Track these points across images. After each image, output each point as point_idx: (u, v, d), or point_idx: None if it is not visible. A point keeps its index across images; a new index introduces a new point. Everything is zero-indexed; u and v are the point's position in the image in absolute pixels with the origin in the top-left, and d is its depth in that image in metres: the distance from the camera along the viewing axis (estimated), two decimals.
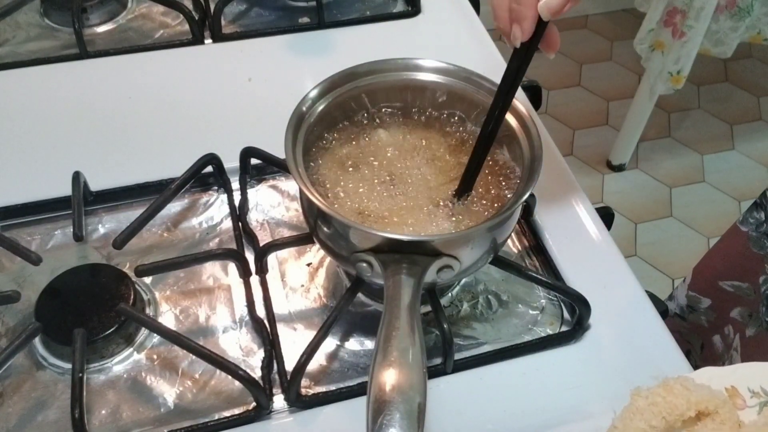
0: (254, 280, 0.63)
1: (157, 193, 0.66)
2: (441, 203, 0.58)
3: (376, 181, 0.59)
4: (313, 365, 0.58)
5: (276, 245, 0.63)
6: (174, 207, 0.69)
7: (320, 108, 0.59)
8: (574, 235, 0.69)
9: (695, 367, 0.56)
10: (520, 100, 0.59)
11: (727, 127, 2.16)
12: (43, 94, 0.79)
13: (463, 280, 0.65)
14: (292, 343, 0.60)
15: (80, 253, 0.65)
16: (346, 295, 0.59)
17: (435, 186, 0.59)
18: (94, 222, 0.68)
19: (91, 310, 0.58)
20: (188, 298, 0.63)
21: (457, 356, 0.59)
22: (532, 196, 0.68)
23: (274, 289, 0.63)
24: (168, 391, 0.57)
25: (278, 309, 0.62)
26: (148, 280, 0.64)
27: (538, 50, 0.54)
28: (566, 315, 0.63)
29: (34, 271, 0.62)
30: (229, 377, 0.56)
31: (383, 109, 0.64)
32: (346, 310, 0.59)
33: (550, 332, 0.62)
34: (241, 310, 0.62)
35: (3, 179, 0.70)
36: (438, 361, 0.59)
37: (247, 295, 0.62)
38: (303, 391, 0.57)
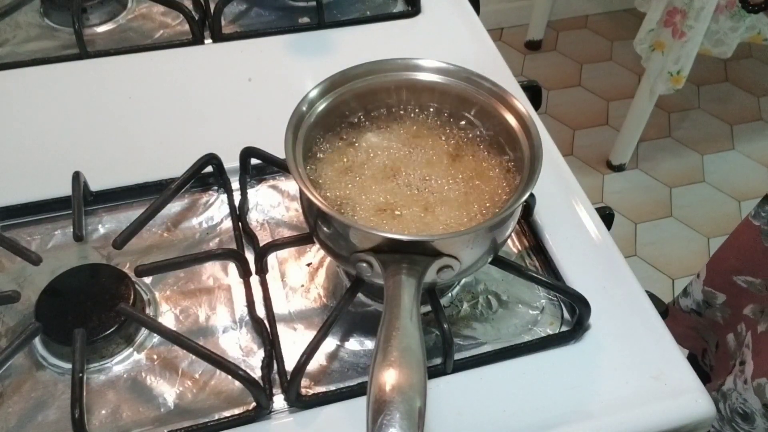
0: (254, 280, 0.63)
1: (157, 193, 0.66)
2: (441, 199, 0.58)
3: (376, 180, 0.59)
4: (313, 365, 0.58)
5: (276, 245, 0.63)
6: (174, 207, 0.69)
7: (320, 108, 0.59)
8: (574, 235, 0.69)
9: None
10: (520, 100, 0.59)
11: (727, 127, 2.16)
12: (43, 94, 0.79)
13: (463, 280, 0.65)
14: (292, 343, 0.60)
15: (80, 253, 0.65)
16: (346, 295, 0.59)
17: (437, 185, 0.59)
18: (94, 222, 0.68)
19: (91, 310, 0.58)
20: (188, 298, 0.63)
21: (457, 356, 0.59)
22: (532, 196, 0.68)
23: (274, 289, 0.63)
24: (168, 391, 0.57)
25: (278, 309, 0.62)
26: (148, 280, 0.64)
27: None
28: (566, 315, 0.63)
29: (34, 271, 0.62)
30: (229, 377, 0.56)
31: (383, 109, 0.64)
32: (346, 310, 0.59)
33: (550, 332, 0.62)
34: (241, 310, 0.62)
35: (3, 179, 0.70)
36: (438, 361, 0.59)
37: (247, 295, 0.62)
38: (303, 391, 0.57)
